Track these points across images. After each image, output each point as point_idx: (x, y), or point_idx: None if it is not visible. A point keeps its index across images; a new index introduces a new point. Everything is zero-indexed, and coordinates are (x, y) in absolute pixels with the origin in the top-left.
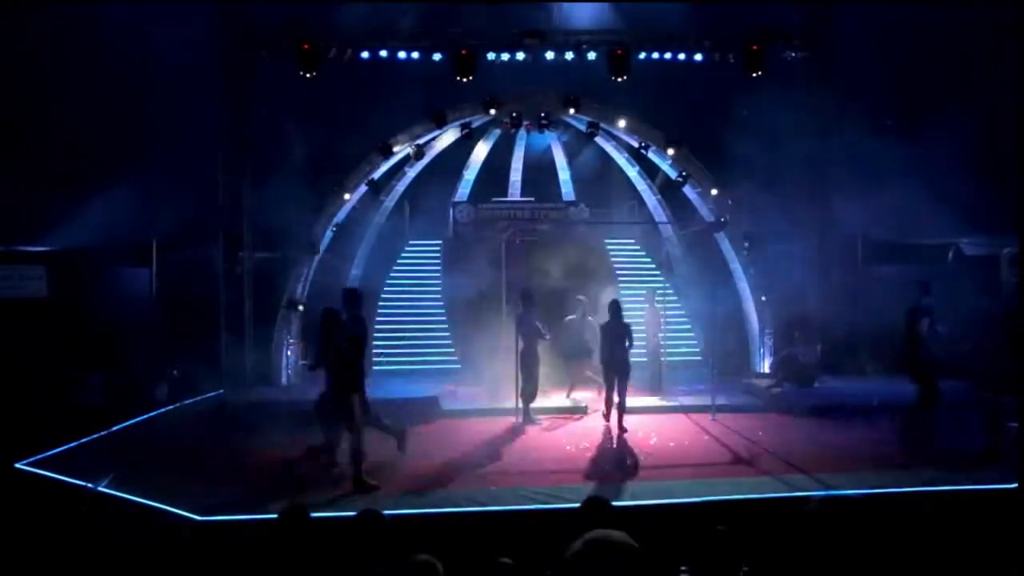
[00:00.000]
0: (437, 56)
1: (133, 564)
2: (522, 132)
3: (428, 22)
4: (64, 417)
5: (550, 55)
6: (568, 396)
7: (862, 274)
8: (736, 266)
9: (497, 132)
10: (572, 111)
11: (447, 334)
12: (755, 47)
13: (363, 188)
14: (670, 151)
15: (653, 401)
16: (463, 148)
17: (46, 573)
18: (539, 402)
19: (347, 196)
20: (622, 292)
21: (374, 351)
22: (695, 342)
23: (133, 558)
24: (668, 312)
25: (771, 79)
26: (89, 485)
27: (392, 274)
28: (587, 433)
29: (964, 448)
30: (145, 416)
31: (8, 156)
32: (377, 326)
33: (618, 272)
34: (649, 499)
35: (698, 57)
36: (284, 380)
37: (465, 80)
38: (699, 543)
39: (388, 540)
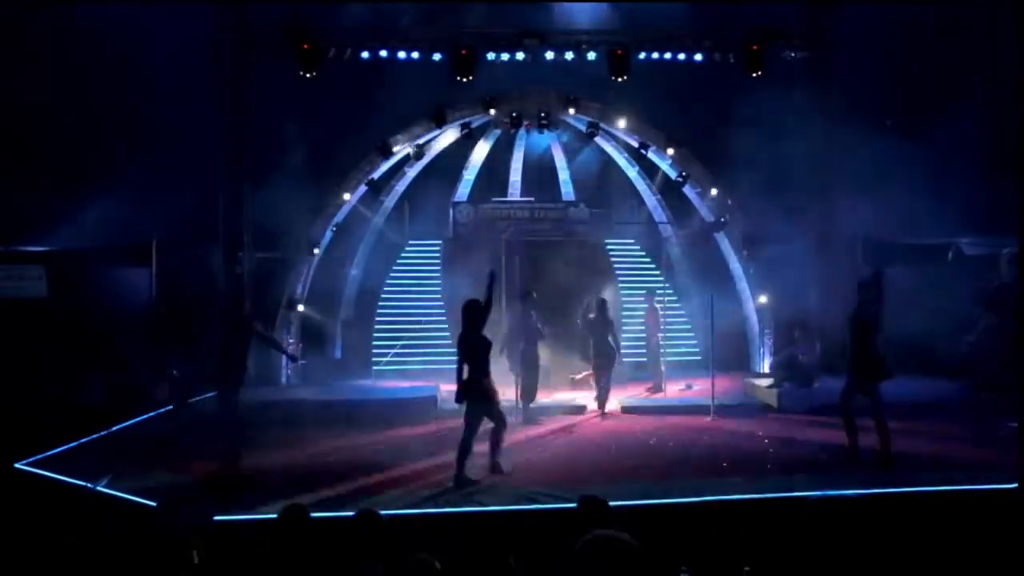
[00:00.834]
0: (437, 56)
1: (133, 564)
2: (522, 132)
3: (428, 22)
4: (64, 417)
5: (550, 55)
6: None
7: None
8: (736, 266)
9: (497, 132)
10: (572, 111)
11: (447, 334)
12: (755, 47)
13: (363, 188)
14: (670, 151)
15: (653, 401)
16: (463, 148)
17: (46, 573)
18: (540, 401)
19: (347, 196)
20: (622, 292)
21: (373, 351)
22: (695, 342)
23: (133, 558)
24: (668, 312)
25: (771, 79)
26: (89, 485)
27: (392, 274)
28: (587, 433)
29: (964, 448)
30: (145, 416)
31: (8, 156)
32: (377, 326)
33: (618, 272)
34: (649, 499)
35: (698, 57)
36: (284, 380)
37: (465, 80)
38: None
39: (386, 540)
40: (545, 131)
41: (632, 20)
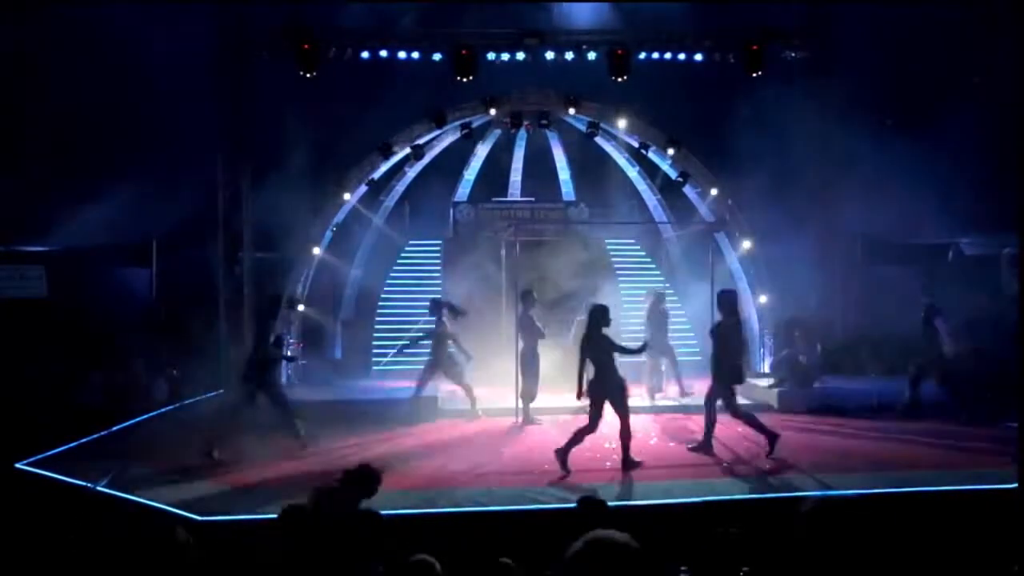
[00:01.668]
0: (437, 56)
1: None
2: (522, 132)
3: (428, 22)
4: (64, 417)
5: (550, 55)
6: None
7: (862, 274)
8: (736, 266)
9: (497, 132)
10: (572, 111)
11: None
12: (755, 47)
13: (363, 188)
14: (670, 151)
15: (653, 401)
16: (463, 148)
17: (46, 573)
18: (541, 401)
19: (347, 196)
20: (622, 292)
21: (373, 351)
22: (695, 342)
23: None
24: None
25: (771, 79)
26: (89, 485)
27: (392, 274)
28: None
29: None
30: (145, 416)
31: (8, 156)
32: (377, 326)
33: (618, 272)
34: (649, 499)
35: (698, 57)
36: (284, 380)
37: (465, 80)
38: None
39: (386, 540)
40: (545, 131)
41: (632, 20)
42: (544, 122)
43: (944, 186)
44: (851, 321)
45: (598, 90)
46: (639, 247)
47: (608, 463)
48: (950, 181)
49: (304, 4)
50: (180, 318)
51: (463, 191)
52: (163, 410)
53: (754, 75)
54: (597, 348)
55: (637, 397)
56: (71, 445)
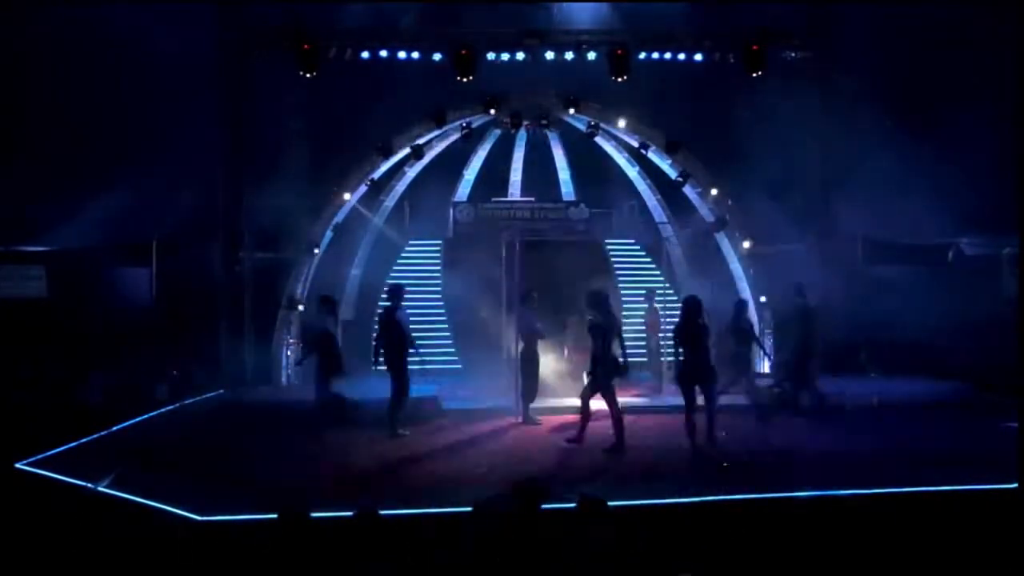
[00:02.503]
0: (437, 56)
1: (133, 564)
2: (522, 132)
3: (428, 22)
4: (64, 417)
5: (550, 55)
6: None
7: (862, 274)
8: (736, 266)
9: (497, 132)
10: (572, 111)
11: (447, 334)
12: (755, 47)
13: (363, 188)
14: (670, 151)
15: (653, 401)
16: (463, 148)
17: (46, 573)
18: (541, 402)
19: (347, 196)
20: (622, 292)
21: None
22: None
23: (133, 558)
24: (668, 312)
25: (771, 79)
26: (89, 485)
27: (392, 274)
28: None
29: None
30: (145, 416)
31: (8, 156)
32: (377, 326)
33: (618, 272)
34: (649, 499)
35: (698, 57)
36: (284, 380)
37: (465, 80)
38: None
39: (386, 539)
40: (545, 131)
41: (632, 20)
42: (544, 122)
43: (944, 186)
44: (851, 321)
45: (598, 90)
46: (639, 247)
47: (608, 464)
48: (950, 181)
49: (304, 4)
50: (180, 318)
51: (463, 191)
52: (163, 410)
53: (754, 75)
54: (691, 336)
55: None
56: (71, 445)
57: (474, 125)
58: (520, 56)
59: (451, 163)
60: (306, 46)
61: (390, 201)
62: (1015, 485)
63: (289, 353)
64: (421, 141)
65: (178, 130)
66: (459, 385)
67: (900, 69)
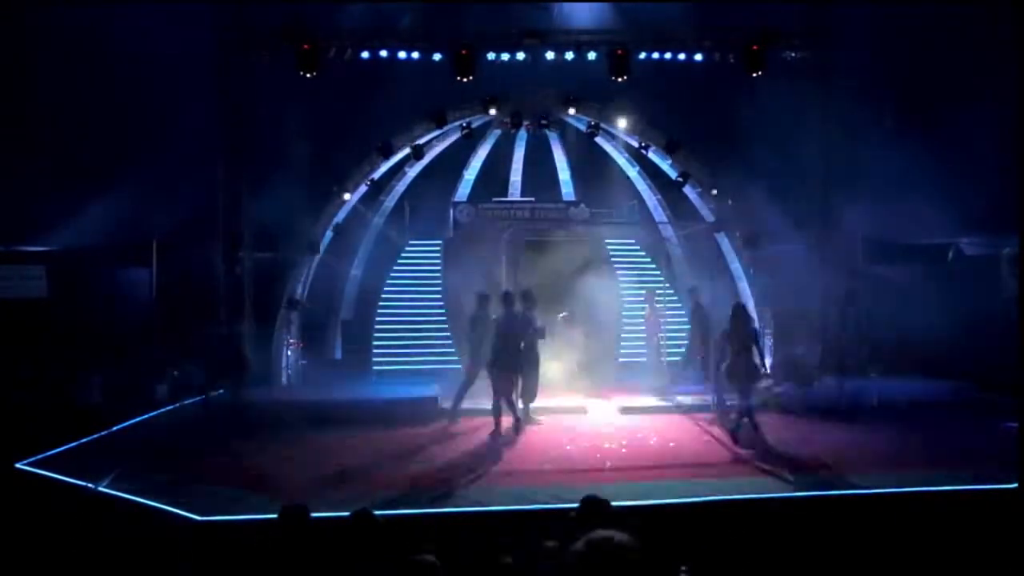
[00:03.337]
0: (437, 56)
1: (133, 564)
2: (522, 132)
3: (428, 22)
4: (64, 417)
5: (550, 55)
6: None
7: (862, 274)
8: (736, 266)
9: (497, 132)
10: (572, 111)
11: (447, 334)
12: (755, 47)
13: (363, 188)
14: (670, 151)
15: (653, 401)
16: (463, 148)
17: (46, 573)
18: (541, 401)
19: (347, 196)
20: (622, 292)
21: (373, 351)
22: None
23: (133, 558)
24: (668, 312)
25: (771, 79)
26: (89, 485)
27: (392, 274)
28: (588, 433)
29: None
30: (145, 416)
31: (8, 156)
32: (377, 326)
33: (618, 272)
34: (649, 499)
35: (698, 57)
36: (284, 380)
37: (465, 80)
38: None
39: (382, 540)
40: (545, 131)
41: (632, 20)
42: (544, 122)
43: (944, 186)
44: (851, 321)
45: (598, 90)
46: (639, 247)
47: (609, 463)
48: (950, 181)
49: (304, 4)
50: (180, 318)
51: (463, 191)
52: (163, 410)
53: (754, 75)
54: (737, 339)
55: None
56: (71, 445)
57: (474, 125)
58: (520, 56)
59: (451, 163)
60: (306, 46)
61: (390, 201)
62: (1015, 485)
63: (289, 353)
64: (421, 141)
65: (178, 130)
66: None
67: (900, 69)
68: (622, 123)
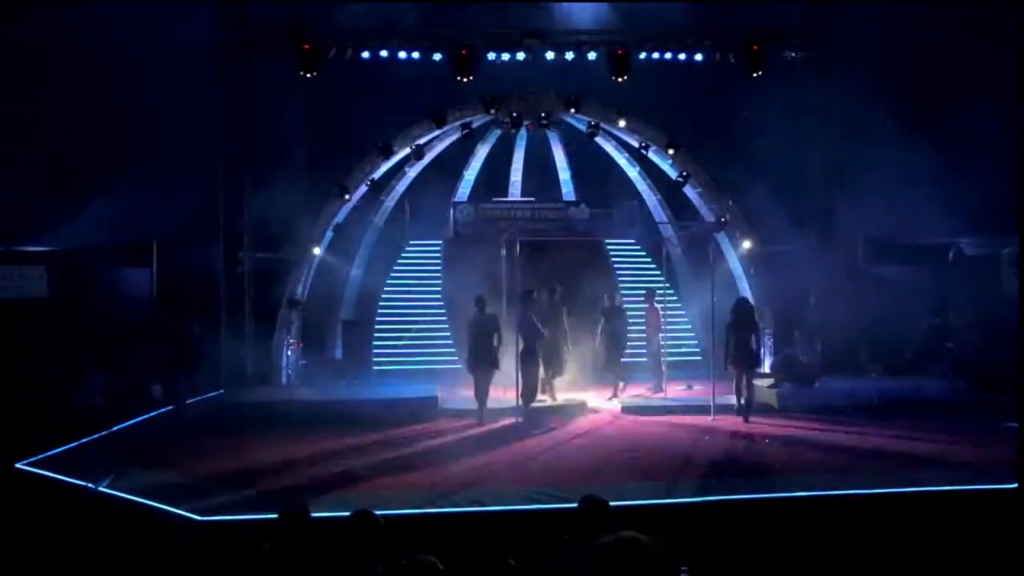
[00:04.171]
0: (437, 56)
1: (133, 564)
2: (522, 132)
3: (428, 22)
4: (64, 417)
5: (550, 55)
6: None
7: (862, 274)
8: (736, 266)
9: (497, 132)
10: (572, 111)
11: (447, 334)
12: (755, 47)
13: (363, 188)
14: (670, 151)
15: (653, 401)
16: (463, 148)
17: (46, 573)
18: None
19: (347, 196)
20: (622, 292)
21: (373, 351)
22: (695, 342)
23: (133, 558)
24: (668, 312)
25: (771, 79)
26: (89, 485)
27: (392, 274)
28: (588, 433)
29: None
30: (145, 416)
31: (8, 156)
32: (377, 326)
33: (618, 272)
34: (649, 499)
35: (698, 57)
36: (284, 380)
37: (465, 80)
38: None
39: (383, 540)
40: (545, 131)
41: (632, 20)
42: (544, 122)
43: (944, 186)
44: (851, 321)
45: (598, 90)
46: (639, 247)
47: (608, 463)
48: (950, 181)
49: (304, 4)
50: (180, 318)
51: (463, 191)
52: (163, 410)
53: (754, 75)
54: (739, 331)
55: (638, 397)
56: (71, 445)
57: (474, 125)
58: (520, 56)
59: (451, 163)
60: (306, 46)
61: (390, 201)
62: (1015, 485)
63: (289, 353)
64: (421, 141)
65: (178, 130)
66: (459, 385)
67: (900, 69)
68: (622, 123)
